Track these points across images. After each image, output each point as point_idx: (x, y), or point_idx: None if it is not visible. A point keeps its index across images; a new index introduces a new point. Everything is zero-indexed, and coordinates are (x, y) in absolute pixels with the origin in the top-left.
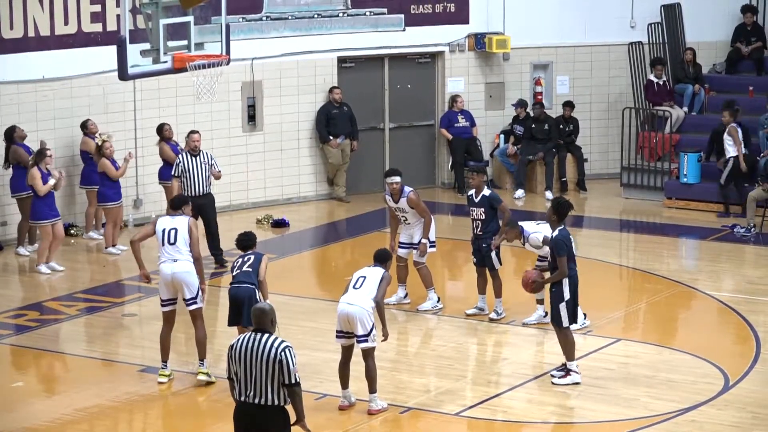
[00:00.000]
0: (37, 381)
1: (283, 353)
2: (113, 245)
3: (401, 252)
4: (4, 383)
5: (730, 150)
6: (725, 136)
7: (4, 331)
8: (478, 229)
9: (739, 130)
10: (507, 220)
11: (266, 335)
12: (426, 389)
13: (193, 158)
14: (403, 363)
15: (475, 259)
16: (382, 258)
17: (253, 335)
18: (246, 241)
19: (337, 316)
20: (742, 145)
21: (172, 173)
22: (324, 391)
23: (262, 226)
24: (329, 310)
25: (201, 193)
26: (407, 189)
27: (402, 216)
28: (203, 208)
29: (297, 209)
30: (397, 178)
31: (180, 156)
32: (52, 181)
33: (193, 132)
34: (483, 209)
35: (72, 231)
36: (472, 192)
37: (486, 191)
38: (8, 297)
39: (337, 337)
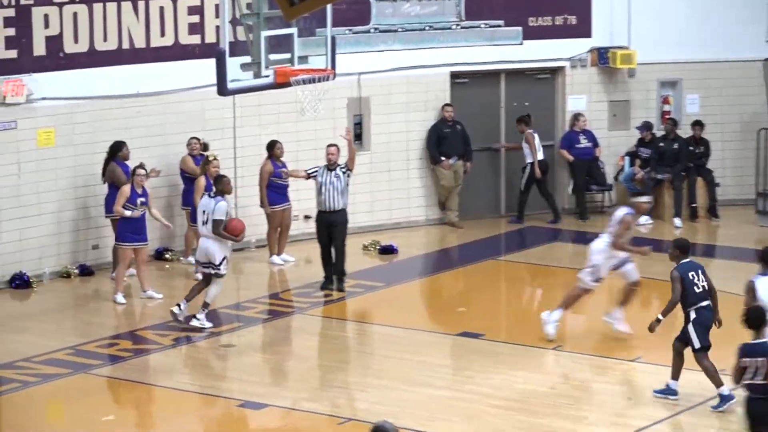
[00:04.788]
0: (128, 414)
1: None
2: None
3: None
4: (94, 417)
5: (528, 157)
6: (522, 143)
7: (95, 361)
8: None
9: (536, 136)
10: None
11: None
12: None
13: (330, 172)
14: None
15: None
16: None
17: None
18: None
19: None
20: (540, 152)
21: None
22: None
23: (369, 252)
24: (439, 344)
25: (335, 209)
26: None
27: None
28: (335, 225)
29: (406, 235)
30: None
31: (319, 170)
32: (127, 213)
33: (330, 145)
34: None
35: (167, 255)
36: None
37: None
38: (100, 325)
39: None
